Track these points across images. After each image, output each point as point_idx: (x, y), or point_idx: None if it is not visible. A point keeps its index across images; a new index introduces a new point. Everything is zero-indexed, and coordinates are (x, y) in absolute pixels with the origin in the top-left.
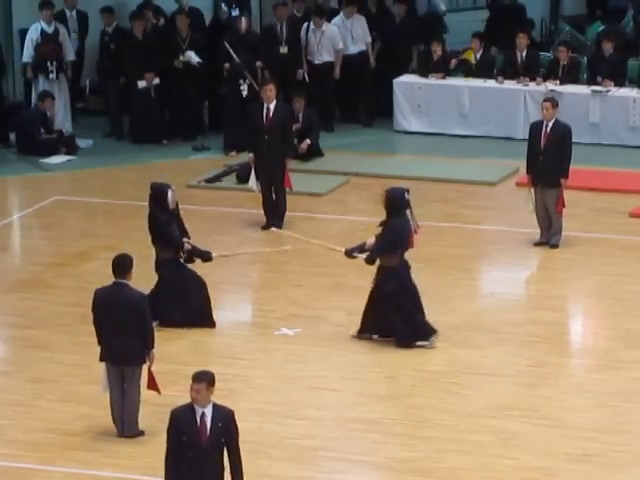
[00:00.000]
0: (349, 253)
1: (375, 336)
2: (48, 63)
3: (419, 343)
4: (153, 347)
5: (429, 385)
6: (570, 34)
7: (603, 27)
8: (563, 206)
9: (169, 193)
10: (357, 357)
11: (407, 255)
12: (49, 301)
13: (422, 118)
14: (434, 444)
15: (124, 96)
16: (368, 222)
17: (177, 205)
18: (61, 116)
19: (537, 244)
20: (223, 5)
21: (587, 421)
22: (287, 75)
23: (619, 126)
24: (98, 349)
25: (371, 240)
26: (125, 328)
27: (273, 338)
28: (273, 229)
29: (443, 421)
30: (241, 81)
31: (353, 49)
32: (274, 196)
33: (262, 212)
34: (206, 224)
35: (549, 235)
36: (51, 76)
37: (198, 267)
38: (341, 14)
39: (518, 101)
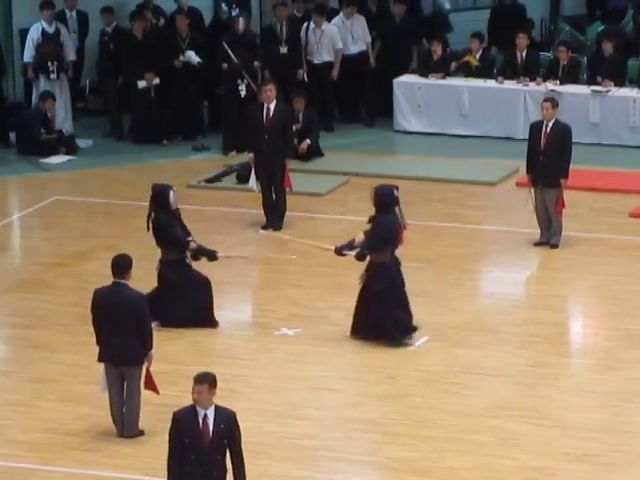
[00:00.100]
0: (339, 251)
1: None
2: (49, 63)
3: (404, 341)
4: (152, 347)
5: (429, 385)
6: (570, 34)
7: (603, 27)
8: (563, 206)
9: (171, 194)
10: (357, 357)
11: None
12: (49, 301)
13: (422, 118)
14: (434, 444)
15: (124, 96)
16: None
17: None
18: (62, 116)
19: (537, 244)
20: (223, 5)
21: (587, 421)
22: (287, 75)
23: (619, 126)
24: (97, 349)
25: (360, 237)
26: (124, 328)
27: (273, 338)
28: (261, 231)
29: (443, 421)
30: (239, 81)
31: (353, 49)
32: (274, 196)
33: (262, 212)
34: (206, 224)
35: (549, 235)
36: (52, 76)
37: (200, 268)
38: (341, 14)
39: (518, 101)
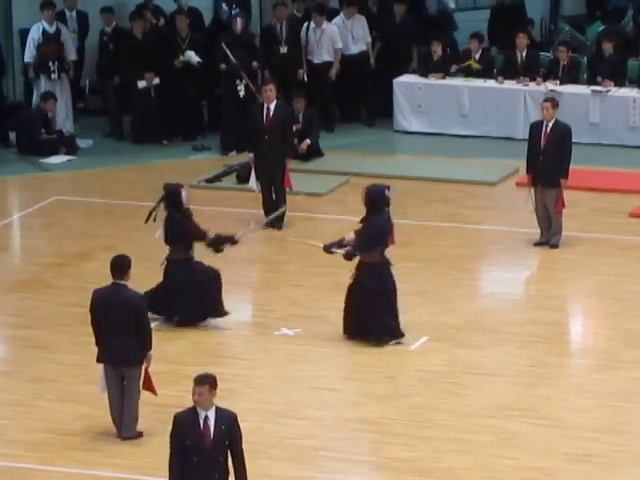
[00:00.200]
0: (328, 249)
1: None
2: (50, 63)
3: (392, 342)
4: (151, 348)
5: (429, 385)
6: (570, 34)
7: (603, 27)
8: (563, 206)
9: (183, 193)
10: (357, 357)
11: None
12: (49, 301)
13: (422, 118)
14: (434, 444)
15: (124, 96)
16: None
17: None
18: (63, 116)
19: (537, 244)
20: (224, 5)
21: (587, 421)
22: (287, 75)
23: (619, 126)
24: (97, 350)
25: (350, 236)
26: (123, 329)
27: (273, 338)
28: (251, 226)
29: (443, 421)
30: (238, 82)
31: (354, 49)
32: (274, 196)
33: (262, 212)
34: (206, 224)
35: (549, 235)
36: (53, 76)
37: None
38: (342, 14)
39: (518, 101)
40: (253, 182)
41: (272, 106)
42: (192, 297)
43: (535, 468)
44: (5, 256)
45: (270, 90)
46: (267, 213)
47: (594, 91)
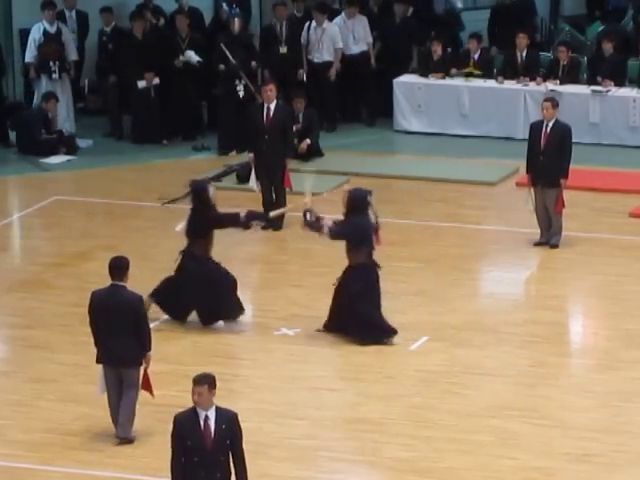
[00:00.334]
0: (306, 222)
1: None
2: (51, 63)
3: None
4: (150, 349)
5: (429, 385)
6: (570, 34)
7: (603, 27)
8: (563, 206)
9: (210, 189)
10: (357, 357)
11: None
12: (49, 301)
13: (422, 118)
14: (434, 444)
15: (124, 96)
16: None
17: None
18: (63, 116)
19: (537, 244)
20: (224, 5)
21: (587, 421)
22: (287, 75)
23: (619, 126)
24: (96, 350)
25: (328, 222)
26: (122, 330)
27: (273, 338)
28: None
29: (443, 421)
30: (237, 82)
31: (354, 49)
32: (274, 196)
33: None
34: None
35: (549, 235)
36: (54, 76)
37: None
38: (343, 14)
39: (518, 101)
40: (253, 182)
41: (272, 106)
42: (204, 294)
43: (535, 468)
44: (5, 256)
45: (270, 90)
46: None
47: (594, 91)
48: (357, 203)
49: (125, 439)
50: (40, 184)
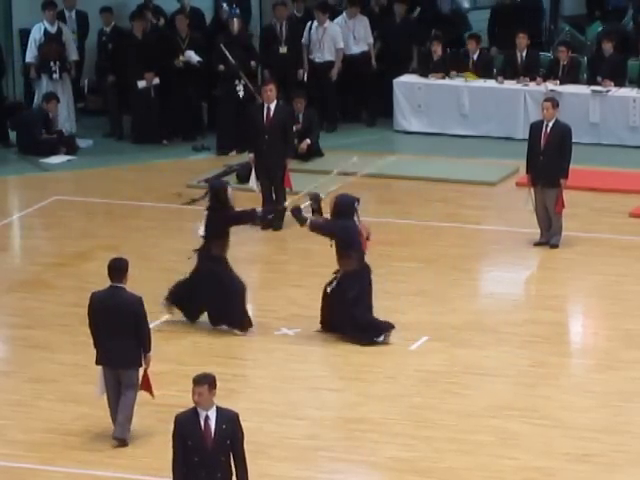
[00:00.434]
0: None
1: None
2: (51, 63)
3: (377, 339)
4: (150, 350)
5: (429, 385)
6: (570, 34)
7: (603, 27)
8: (563, 206)
9: (229, 189)
10: (357, 357)
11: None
12: (49, 301)
13: (422, 118)
14: (434, 444)
15: (123, 96)
16: (368, 222)
17: None
18: (64, 116)
19: (537, 244)
20: (224, 5)
21: (587, 421)
22: (287, 75)
23: (619, 126)
24: (95, 352)
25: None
26: (122, 331)
27: (273, 338)
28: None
29: (443, 421)
30: (237, 82)
31: (355, 49)
32: (274, 196)
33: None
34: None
35: (549, 235)
36: (54, 76)
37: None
38: (344, 14)
39: (518, 101)
40: (253, 182)
41: (272, 106)
42: (215, 295)
43: (535, 468)
44: (5, 256)
45: (270, 90)
46: None
47: (594, 91)
48: (343, 208)
49: (121, 440)
50: (40, 184)
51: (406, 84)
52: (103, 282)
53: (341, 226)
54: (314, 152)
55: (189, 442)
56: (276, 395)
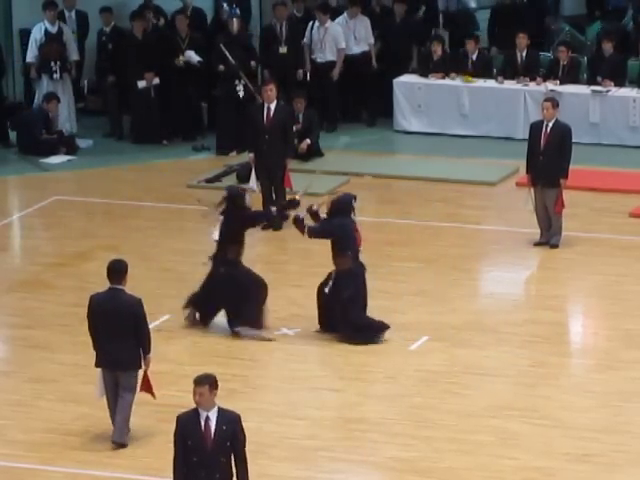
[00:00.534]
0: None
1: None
2: (52, 63)
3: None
4: (150, 351)
5: (429, 385)
6: (570, 34)
7: (602, 26)
8: (562, 206)
9: (247, 196)
10: (357, 357)
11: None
12: (49, 301)
13: (422, 118)
14: (434, 444)
15: (123, 96)
16: (368, 222)
17: None
18: (65, 116)
19: (537, 244)
20: (225, 5)
21: (587, 421)
22: (287, 75)
23: (619, 126)
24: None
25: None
26: (121, 333)
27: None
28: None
29: (443, 421)
30: (237, 82)
31: (356, 49)
32: (274, 196)
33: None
34: (206, 224)
35: (549, 235)
36: (55, 76)
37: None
38: (345, 14)
39: (518, 101)
40: (253, 182)
41: (272, 106)
42: (233, 298)
43: (535, 468)
44: (5, 256)
45: (270, 90)
46: None
47: (594, 91)
48: (341, 206)
49: (120, 444)
50: (40, 184)
51: (406, 84)
52: (103, 282)
53: (338, 225)
54: (314, 152)
55: (189, 442)
56: (276, 395)
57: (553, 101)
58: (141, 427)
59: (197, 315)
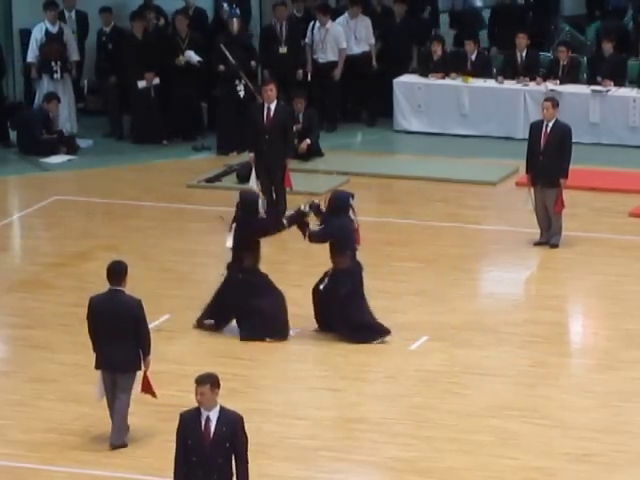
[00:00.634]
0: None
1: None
2: (52, 63)
3: (375, 342)
4: (149, 353)
5: (429, 385)
6: (570, 34)
7: (600, 25)
8: (562, 206)
9: (260, 202)
10: (357, 357)
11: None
12: (49, 301)
13: (422, 118)
14: (434, 444)
15: (123, 96)
16: (368, 222)
17: None
18: (65, 116)
19: (537, 244)
20: (225, 5)
21: (587, 421)
22: (287, 75)
23: (619, 126)
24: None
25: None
26: (121, 335)
27: None
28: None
29: (443, 421)
30: (237, 82)
31: (356, 49)
32: (274, 196)
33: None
34: (206, 224)
35: (549, 235)
36: (55, 76)
37: (199, 267)
38: (346, 14)
39: (518, 101)
40: (253, 182)
41: (272, 106)
42: (249, 305)
43: (535, 468)
44: (5, 256)
45: (271, 90)
46: None
47: (594, 91)
48: (338, 203)
49: (118, 446)
50: (40, 184)
51: (406, 84)
52: (103, 282)
53: (337, 227)
54: (314, 152)
55: (189, 441)
56: (276, 395)
57: (553, 101)
58: (141, 427)
59: (212, 322)
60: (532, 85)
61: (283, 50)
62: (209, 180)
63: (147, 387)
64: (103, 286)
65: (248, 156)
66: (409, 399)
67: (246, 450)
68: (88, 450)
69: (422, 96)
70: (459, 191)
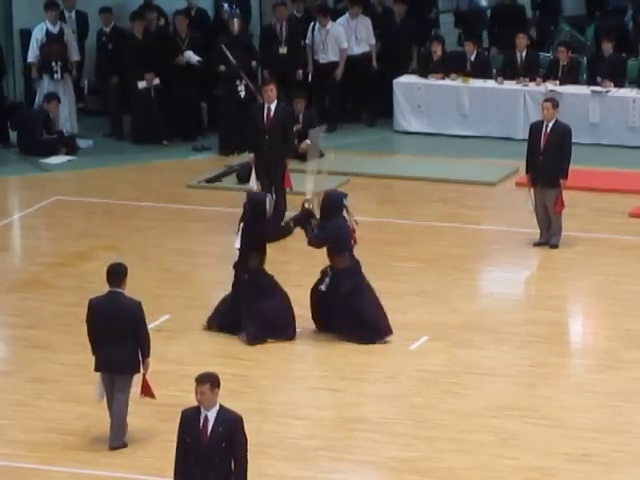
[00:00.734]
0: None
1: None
2: (53, 63)
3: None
4: (149, 355)
5: (429, 385)
6: (570, 34)
7: (598, 25)
8: (562, 206)
9: (267, 202)
10: (357, 357)
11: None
12: (49, 301)
13: (422, 118)
14: (434, 444)
15: (124, 96)
16: (368, 222)
17: None
18: (65, 116)
19: (537, 244)
20: (225, 5)
21: (587, 421)
22: (287, 75)
23: (619, 126)
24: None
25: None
26: (120, 337)
27: None
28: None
29: (443, 421)
30: (238, 82)
31: (357, 50)
32: (274, 196)
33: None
34: (206, 224)
35: (549, 235)
36: (56, 76)
37: (199, 267)
38: (347, 14)
39: (518, 101)
40: (253, 182)
41: (273, 106)
42: (256, 307)
43: (535, 468)
44: (5, 256)
45: (271, 90)
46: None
47: (594, 91)
48: (331, 203)
49: (117, 447)
50: (40, 184)
51: (406, 84)
52: (103, 282)
53: (334, 229)
54: None
55: (188, 440)
56: (276, 395)
57: (553, 101)
58: (141, 427)
59: (221, 322)
60: (532, 85)
61: (283, 50)
62: (209, 180)
63: (146, 390)
64: (103, 286)
65: (248, 156)
66: (409, 399)
67: (245, 451)
68: (88, 450)
69: (422, 96)
70: (459, 191)
